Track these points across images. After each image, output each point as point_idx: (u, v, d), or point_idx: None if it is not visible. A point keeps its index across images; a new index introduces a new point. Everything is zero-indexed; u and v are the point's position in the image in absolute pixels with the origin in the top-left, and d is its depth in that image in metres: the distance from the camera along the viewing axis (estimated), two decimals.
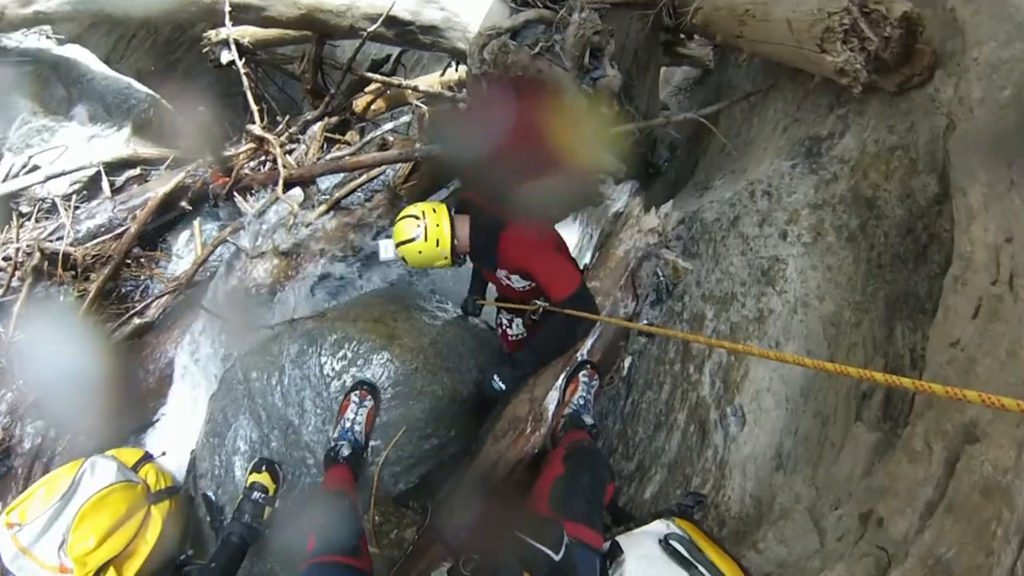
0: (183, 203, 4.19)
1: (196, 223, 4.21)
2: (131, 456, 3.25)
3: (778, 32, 3.26)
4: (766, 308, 2.81)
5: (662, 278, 3.22)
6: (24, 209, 4.27)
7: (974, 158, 2.49)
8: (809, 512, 2.34)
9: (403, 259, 3.19)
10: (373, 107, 4.81)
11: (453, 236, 3.10)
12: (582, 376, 3.02)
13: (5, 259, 3.95)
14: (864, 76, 2.91)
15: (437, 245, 3.08)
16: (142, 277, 4.24)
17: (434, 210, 3.11)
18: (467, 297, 3.67)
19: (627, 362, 3.24)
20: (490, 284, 3.59)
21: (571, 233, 6.07)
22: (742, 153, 3.77)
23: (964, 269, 2.20)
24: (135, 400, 3.62)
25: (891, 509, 2.00)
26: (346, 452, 2.86)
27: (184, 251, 4.32)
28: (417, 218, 3.08)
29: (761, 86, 3.83)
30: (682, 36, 4.60)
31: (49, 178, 4.20)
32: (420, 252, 3.09)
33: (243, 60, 4.11)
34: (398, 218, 3.16)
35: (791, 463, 2.51)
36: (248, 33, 4.71)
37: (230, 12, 3.93)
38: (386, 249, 3.23)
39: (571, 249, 6.08)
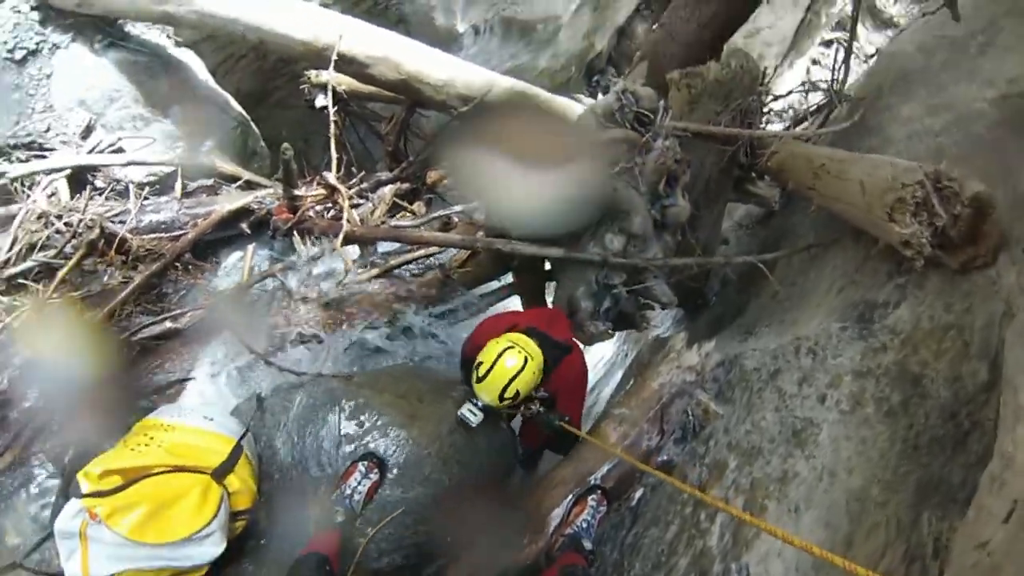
0: (243, 225, 4.38)
1: (250, 248, 4.37)
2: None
3: (850, 192, 3.34)
4: (791, 470, 2.77)
5: (691, 418, 3.23)
6: (99, 184, 4.51)
7: None
8: None
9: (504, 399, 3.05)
10: (445, 182, 5.04)
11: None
12: (591, 500, 3.00)
13: (67, 224, 4.12)
14: (928, 250, 2.94)
15: (532, 366, 3.04)
16: (185, 283, 4.39)
17: (518, 339, 3.10)
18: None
19: (638, 493, 3.22)
20: None
21: (607, 346, 6.13)
22: (794, 304, 3.80)
23: (1003, 469, 2.16)
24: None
25: None
26: (339, 518, 2.86)
27: (233, 270, 4.45)
28: (515, 349, 3.03)
29: (824, 240, 3.90)
30: (754, 175, 4.75)
31: (130, 163, 4.45)
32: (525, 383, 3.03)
33: (335, 107, 4.37)
34: (487, 364, 3.02)
35: None
36: (345, 82, 5.01)
37: (336, 61, 4.22)
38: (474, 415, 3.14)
39: (603, 362, 6.14)
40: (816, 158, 3.71)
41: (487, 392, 3.03)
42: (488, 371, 3.01)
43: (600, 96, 3.66)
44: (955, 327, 2.88)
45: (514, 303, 4.58)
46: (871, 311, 3.19)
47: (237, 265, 4.46)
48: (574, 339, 3.46)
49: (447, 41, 6.54)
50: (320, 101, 4.44)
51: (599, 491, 3.06)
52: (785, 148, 4.15)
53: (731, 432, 3.13)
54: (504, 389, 2.99)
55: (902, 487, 2.59)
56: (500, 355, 3.01)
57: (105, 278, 4.17)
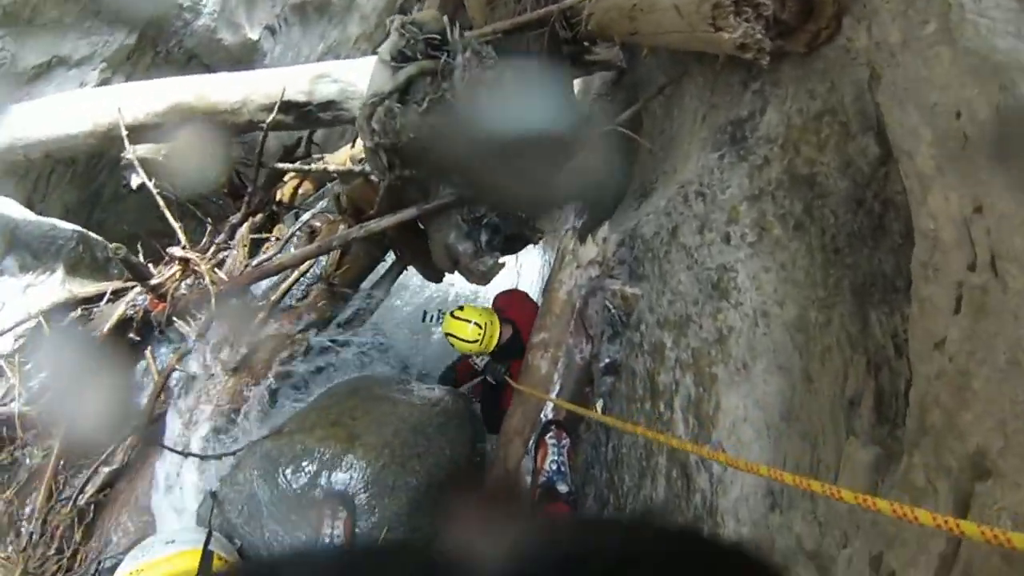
0: (131, 335, 3.82)
1: (148, 352, 3.83)
2: None
3: (668, 20, 2.84)
4: (724, 326, 2.36)
5: (613, 311, 2.78)
6: None
7: (912, 112, 2.02)
8: (814, 558, 1.89)
9: (449, 339, 3.50)
10: (301, 191, 4.43)
11: (497, 343, 3.43)
12: (549, 440, 2.60)
13: None
14: (768, 44, 2.50)
15: (482, 347, 3.43)
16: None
17: (491, 322, 3.45)
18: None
19: (599, 405, 2.80)
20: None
21: (534, 268, 5.66)
22: (669, 151, 3.32)
23: (931, 252, 1.72)
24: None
25: (903, 561, 1.55)
26: None
27: (144, 383, 3.93)
28: (480, 327, 3.40)
29: (672, 76, 3.39)
30: (585, 44, 4.17)
31: None
32: (469, 349, 3.45)
33: (152, 180, 3.71)
34: (459, 316, 3.43)
35: (785, 499, 2.06)
36: (154, 148, 4.33)
37: (128, 135, 3.55)
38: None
39: (535, 281, 5.70)
40: (625, 2, 3.16)
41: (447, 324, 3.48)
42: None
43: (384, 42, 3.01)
44: (827, 111, 2.42)
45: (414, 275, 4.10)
46: (740, 128, 2.73)
47: (146, 376, 3.90)
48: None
49: (247, 56, 5.68)
50: (135, 180, 3.79)
51: (553, 426, 2.67)
52: (599, 6, 3.59)
53: (655, 309, 2.70)
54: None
55: (838, 298, 2.18)
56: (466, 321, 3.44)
57: (27, 460, 3.68)
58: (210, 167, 3.83)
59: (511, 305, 3.71)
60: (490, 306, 3.71)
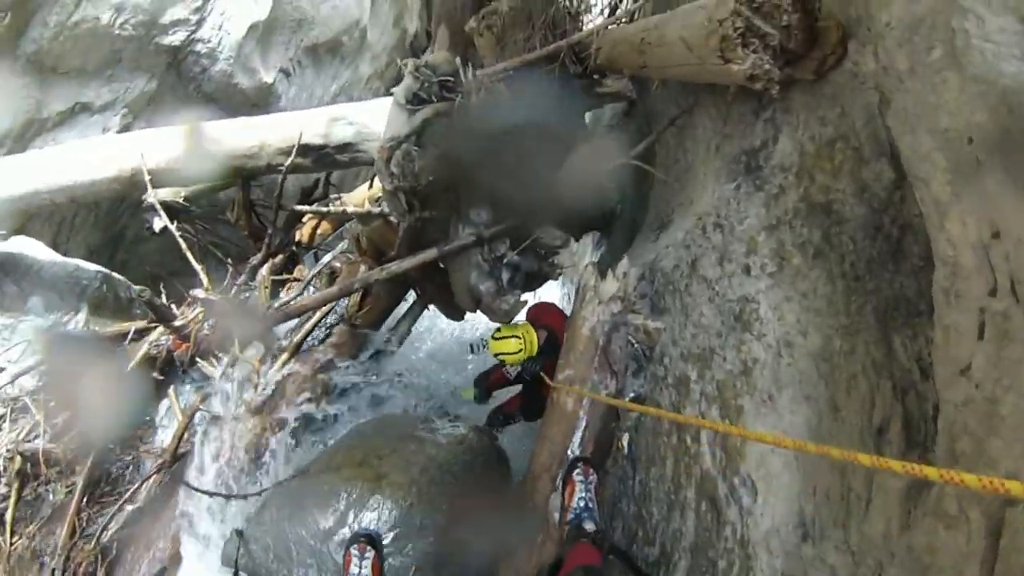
0: (154, 374, 3.91)
1: (171, 391, 3.92)
2: None
3: (677, 54, 2.92)
4: (749, 358, 2.38)
5: (636, 345, 2.81)
6: None
7: (924, 138, 2.07)
8: None
9: (499, 357, 3.72)
10: (320, 231, 4.54)
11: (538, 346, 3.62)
12: (576, 476, 2.61)
13: None
14: (777, 74, 2.56)
15: (528, 353, 3.61)
16: (130, 456, 3.94)
17: (527, 331, 3.66)
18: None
19: (625, 439, 2.82)
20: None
21: (553, 290, 5.71)
22: (684, 182, 3.39)
23: (952, 278, 1.75)
24: None
25: None
26: None
27: (167, 420, 4.02)
28: (520, 339, 3.59)
29: (683, 107, 3.47)
30: (596, 76, 4.28)
31: (16, 376, 3.94)
32: (518, 359, 3.63)
33: (175, 223, 3.84)
34: (500, 336, 3.61)
35: (817, 530, 2.06)
36: (175, 192, 4.48)
37: (150, 180, 3.69)
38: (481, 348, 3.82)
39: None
40: (634, 36, 3.28)
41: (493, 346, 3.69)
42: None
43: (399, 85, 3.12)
44: (839, 137, 2.48)
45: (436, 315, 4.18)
46: (754, 157, 2.79)
47: (169, 414, 3.98)
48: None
49: (263, 98, 5.90)
50: (157, 224, 3.91)
51: (580, 463, 2.68)
52: (606, 40, 3.71)
53: (679, 342, 2.73)
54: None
55: (861, 324, 2.21)
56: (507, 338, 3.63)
57: (51, 496, 3.76)
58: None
59: (543, 313, 3.94)
60: (523, 319, 3.89)
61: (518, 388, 4.11)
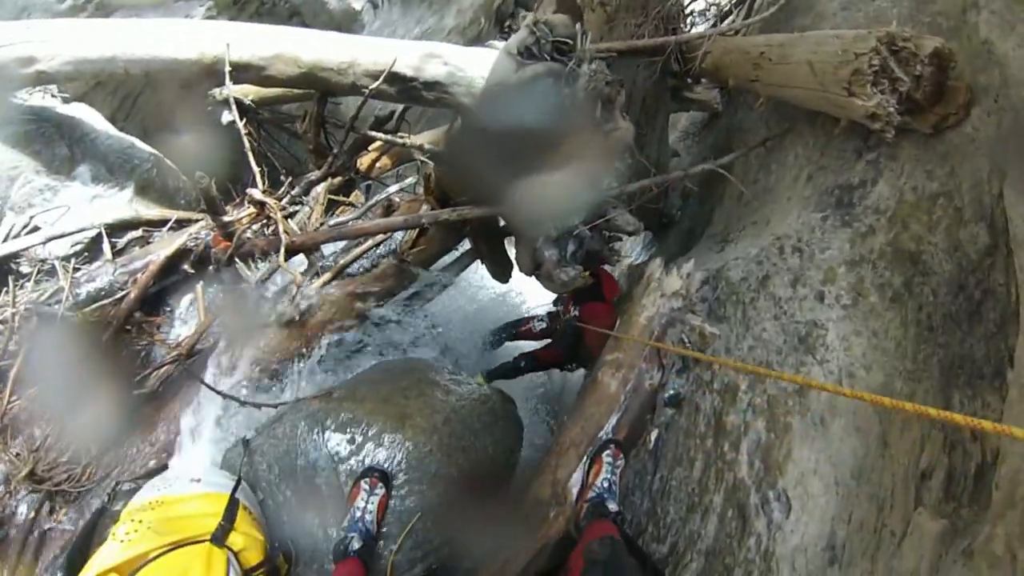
0: (186, 266, 3.92)
1: (199, 287, 3.92)
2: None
3: (799, 75, 3.00)
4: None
5: (688, 345, 2.90)
6: (24, 270, 3.99)
7: None
8: None
9: None
10: (379, 165, 4.57)
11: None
12: (606, 457, 2.70)
13: (2, 323, 3.66)
14: (896, 119, 2.66)
15: None
16: (143, 343, 3.94)
17: None
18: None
19: (653, 435, 2.91)
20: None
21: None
22: (762, 202, 3.47)
23: None
24: None
25: None
26: (356, 545, 2.54)
27: (187, 315, 4.01)
28: None
29: (777, 131, 3.55)
30: (689, 81, 4.34)
31: (50, 239, 3.92)
32: None
33: (244, 120, 3.86)
34: None
35: (846, 556, 2.17)
36: (251, 91, 4.48)
37: (230, 72, 3.70)
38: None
39: None
40: (753, 49, 3.34)
41: None
42: None
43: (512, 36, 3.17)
44: (942, 194, 2.59)
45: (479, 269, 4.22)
46: (848, 194, 2.88)
47: (191, 309, 4.00)
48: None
49: (347, 23, 5.94)
50: (226, 118, 3.92)
51: (612, 445, 2.77)
52: (717, 46, 3.78)
53: (733, 351, 2.82)
54: None
55: (925, 373, 2.32)
56: None
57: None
58: None
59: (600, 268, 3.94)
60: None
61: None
